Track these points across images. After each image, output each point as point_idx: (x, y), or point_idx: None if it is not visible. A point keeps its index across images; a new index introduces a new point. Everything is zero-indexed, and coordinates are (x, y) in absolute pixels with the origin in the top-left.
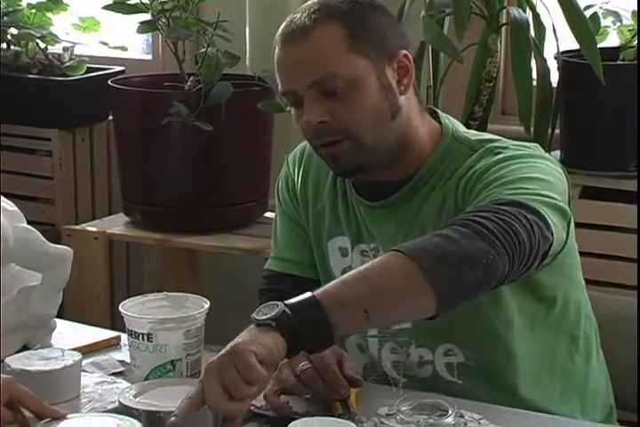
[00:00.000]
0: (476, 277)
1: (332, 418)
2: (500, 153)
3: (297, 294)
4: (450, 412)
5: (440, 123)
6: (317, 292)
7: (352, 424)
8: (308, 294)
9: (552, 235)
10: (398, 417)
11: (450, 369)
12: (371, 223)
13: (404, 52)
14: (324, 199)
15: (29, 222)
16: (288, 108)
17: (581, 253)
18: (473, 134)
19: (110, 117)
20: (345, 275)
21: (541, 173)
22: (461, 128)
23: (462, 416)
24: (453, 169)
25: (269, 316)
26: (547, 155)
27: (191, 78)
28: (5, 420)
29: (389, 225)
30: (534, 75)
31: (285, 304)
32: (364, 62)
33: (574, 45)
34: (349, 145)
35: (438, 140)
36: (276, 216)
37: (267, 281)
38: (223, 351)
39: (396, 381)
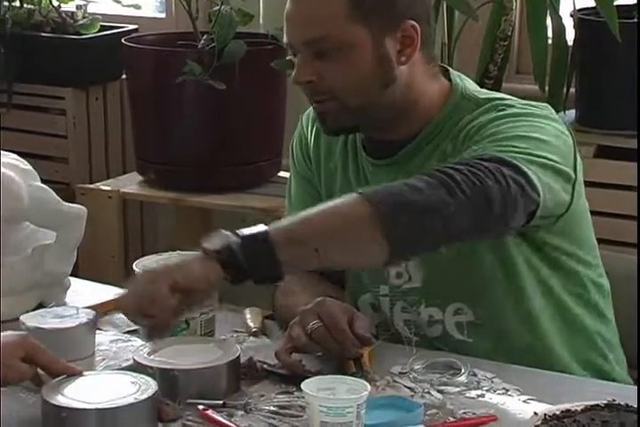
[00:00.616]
0: (434, 228)
1: (345, 376)
2: (503, 110)
3: None
4: (463, 370)
5: (451, 81)
6: (271, 227)
7: (365, 383)
8: (262, 228)
9: (539, 195)
10: (411, 376)
11: (459, 328)
12: (378, 183)
13: (412, 22)
14: (336, 159)
15: (43, 181)
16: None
17: (595, 213)
18: (482, 93)
19: (124, 76)
20: (304, 212)
21: (542, 134)
22: (472, 86)
23: (475, 375)
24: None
25: (214, 248)
26: (554, 115)
27: (204, 37)
28: (24, 375)
29: None
30: (550, 33)
31: (237, 234)
32: (363, 31)
33: (590, 3)
34: (333, 105)
35: (447, 98)
36: (290, 176)
37: None
38: (157, 267)
39: (408, 339)
